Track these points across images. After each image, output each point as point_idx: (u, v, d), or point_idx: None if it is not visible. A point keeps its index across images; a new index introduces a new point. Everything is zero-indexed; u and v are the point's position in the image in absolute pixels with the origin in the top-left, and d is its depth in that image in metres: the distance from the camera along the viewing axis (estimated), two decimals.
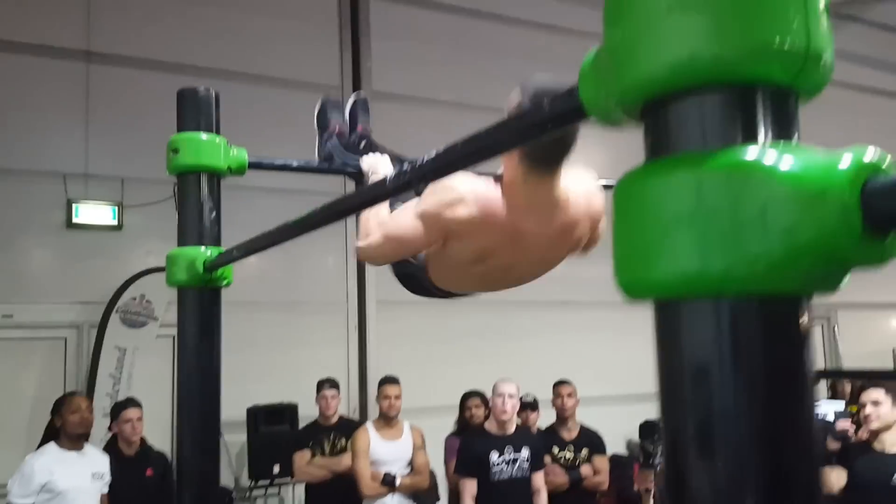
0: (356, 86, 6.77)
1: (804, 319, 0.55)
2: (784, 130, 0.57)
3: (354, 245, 1.80)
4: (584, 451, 4.78)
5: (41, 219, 5.60)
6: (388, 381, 4.86)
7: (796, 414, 0.55)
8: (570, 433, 4.87)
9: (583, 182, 1.79)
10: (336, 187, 6.32)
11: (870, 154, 0.53)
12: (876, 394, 3.59)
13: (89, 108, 5.77)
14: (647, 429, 5.65)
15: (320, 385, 5.05)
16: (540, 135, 0.80)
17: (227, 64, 6.16)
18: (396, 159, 2.11)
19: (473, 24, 7.28)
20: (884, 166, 0.53)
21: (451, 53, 7.15)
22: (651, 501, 3.48)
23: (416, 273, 1.93)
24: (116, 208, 5.73)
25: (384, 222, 1.72)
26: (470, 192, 1.64)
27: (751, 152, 0.53)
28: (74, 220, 5.59)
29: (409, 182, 1.03)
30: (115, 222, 5.73)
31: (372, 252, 1.75)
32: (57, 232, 5.62)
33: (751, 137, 0.56)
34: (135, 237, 5.82)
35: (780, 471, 0.53)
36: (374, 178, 1.90)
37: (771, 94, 0.57)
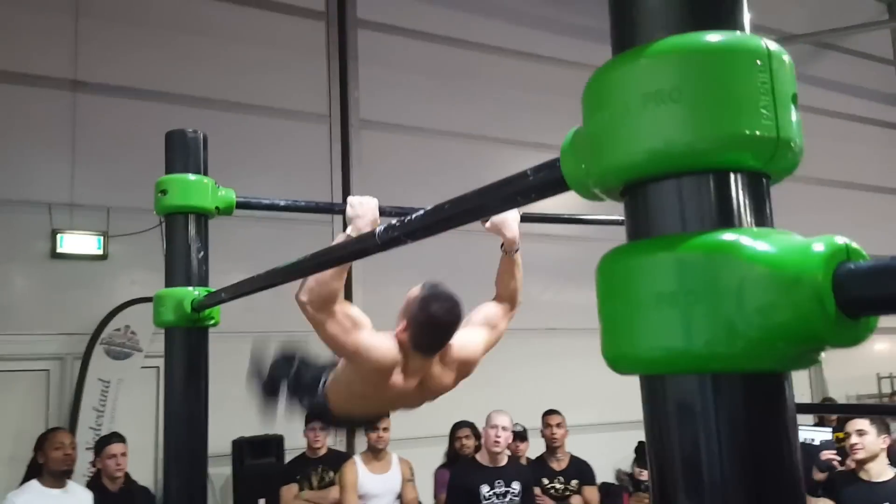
0: (343, 114, 6.81)
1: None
2: (758, 212, 0.59)
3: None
4: (574, 482, 4.77)
5: (25, 249, 5.57)
6: None
7: (783, 484, 0.57)
8: (559, 463, 4.86)
9: (463, 344, 2.20)
10: (319, 216, 6.33)
11: (841, 239, 0.56)
12: (861, 423, 3.62)
13: (75, 137, 5.77)
14: (641, 451, 5.64)
15: (308, 417, 5.01)
16: (524, 202, 0.82)
17: (215, 93, 6.19)
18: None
19: (460, 54, 7.36)
20: (853, 251, 0.55)
21: (437, 82, 7.22)
22: None
23: (322, 406, 2.25)
24: (102, 238, 5.70)
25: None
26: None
27: (729, 235, 0.56)
28: (59, 249, 5.56)
29: (397, 237, 1.05)
30: (100, 252, 5.69)
31: (300, 304, 2.00)
32: (41, 262, 5.59)
33: (728, 220, 0.58)
34: (120, 267, 5.79)
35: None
36: (357, 221, 1.93)
37: (744, 179, 0.59)
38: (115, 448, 4.15)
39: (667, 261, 0.57)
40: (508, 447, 4.67)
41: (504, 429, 4.38)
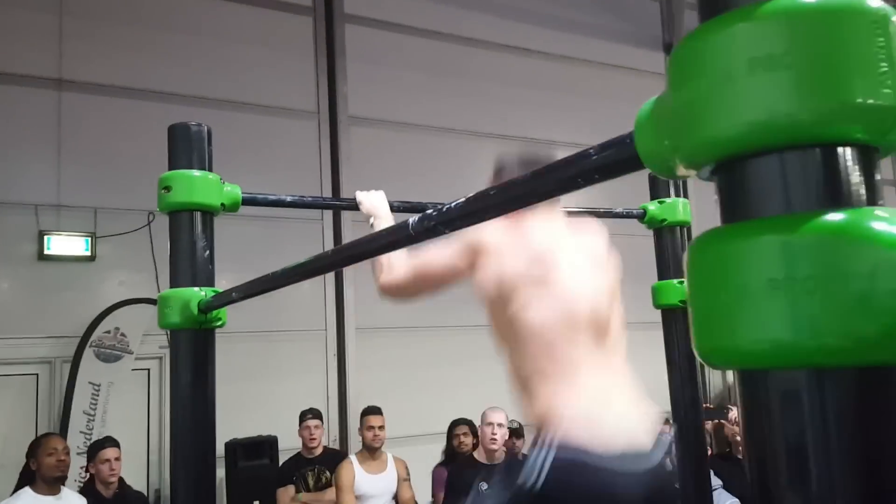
0: (332, 111, 6.74)
1: None
2: (870, 189, 0.55)
3: (377, 282, 1.84)
4: None
5: (12, 251, 5.46)
6: (372, 411, 4.79)
7: None
8: None
9: None
10: (308, 214, 6.26)
11: None
12: None
13: (61, 136, 5.66)
14: None
15: (303, 415, 4.96)
16: (585, 184, 0.76)
17: (201, 91, 6.10)
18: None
19: (449, 49, 7.30)
20: None
21: (426, 78, 7.16)
22: None
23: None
24: (89, 239, 5.60)
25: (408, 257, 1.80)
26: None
27: (850, 216, 0.51)
28: (46, 251, 5.46)
29: (434, 227, 0.99)
30: (88, 253, 5.60)
31: (395, 284, 1.80)
32: (28, 264, 5.48)
33: (838, 199, 0.53)
34: (108, 268, 5.70)
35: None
36: (377, 222, 1.89)
37: (854, 153, 0.54)
38: (109, 453, 4.07)
39: (777, 244, 0.52)
40: (504, 444, 4.63)
41: (500, 425, 4.35)
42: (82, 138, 5.69)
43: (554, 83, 7.78)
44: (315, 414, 4.97)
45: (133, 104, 5.80)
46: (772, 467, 0.55)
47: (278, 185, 5.70)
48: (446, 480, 4.49)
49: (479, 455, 4.42)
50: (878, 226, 0.50)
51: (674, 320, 2.48)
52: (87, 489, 4.08)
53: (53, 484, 3.72)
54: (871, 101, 0.52)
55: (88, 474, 4.17)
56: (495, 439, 4.30)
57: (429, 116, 7.07)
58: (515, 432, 4.99)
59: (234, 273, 5.61)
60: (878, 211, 0.52)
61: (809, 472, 0.52)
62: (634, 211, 2.47)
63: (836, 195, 0.53)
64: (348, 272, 6.63)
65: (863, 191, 0.54)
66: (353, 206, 2.17)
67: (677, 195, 2.51)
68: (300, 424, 4.96)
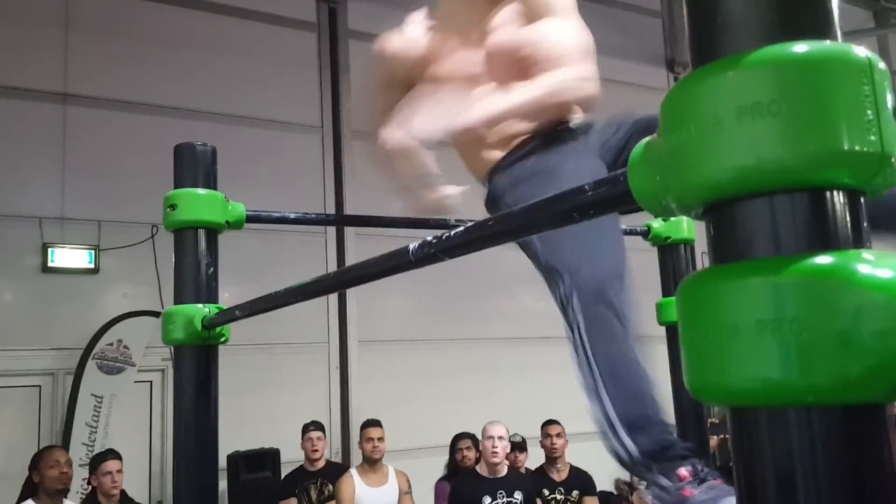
0: (336, 125, 6.77)
1: None
2: (857, 232, 0.56)
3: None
4: (575, 493, 4.73)
5: (16, 263, 5.49)
6: (371, 423, 4.80)
7: None
8: (559, 474, 4.82)
9: None
10: (310, 227, 6.28)
11: None
12: None
13: (65, 150, 5.70)
14: None
15: (306, 428, 4.97)
16: (581, 219, 0.78)
17: (205, 105, 6.14)
18: None
19: None
20: None
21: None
22: None
23: None
24: (93, 252, 5.63)
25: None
26: None
27: (836, 259, 0.52)
28: (50, 264, 5.49)
29: (434, 254, 1.01)
30: (91, 266, 5.63)
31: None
32: (32, 276, 5.51)
33: (826, 241, 0.55)
34: (111, 281, 5.73)
35: None
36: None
37: (842, 197, 0.56)
38: (111, 465, 4.07)
39: (765, 286, 0.54)
40: (507, 458, 4.63)
41: (501, 438, 4.35)
42: (86, 152, 5.73)
43: None
44: (317, 426, 4.98)
45: (137, 118, 5.85)
46: (761, 499, 0.56)
47: (282, 199, 5.72)
48: (449, 494, 4.49)
49: (481, 469, 4.43)
50: (863, 268, 0.51)
51: (678, 338, 2.48)
52: (88, 502, 4.08)
53: (56, 496, 3.72)
54: (857, 147, 0.53)
55: (90, 487, 4.17)
56: (496, 453, 4.31)
57: None
58: (518, 446, 5.00)
59: (237, 285, 5.66)
60: (865, 254, 0.53)
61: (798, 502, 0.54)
62: (638, 228, 2.49)
63: (824, 238, 0.55)
64: None
65: (850, 234, 0.55)
66: (356, 222, 2.18)
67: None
68: (303, 437, 4.96)
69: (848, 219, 0.55)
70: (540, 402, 5.71)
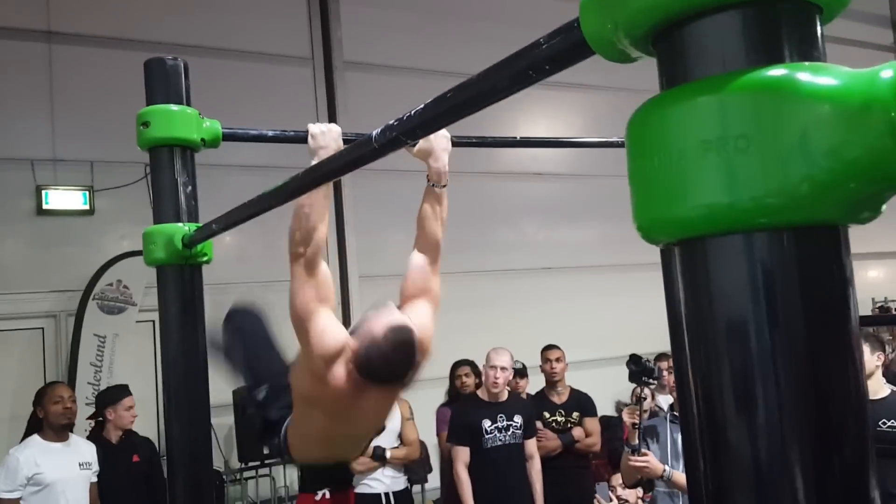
0: (327, 56, 6.64)
1: None
2: (810, 48, 0.52)
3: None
4: (575, 415, 4.78)
5: (10, 207, 5.46)
6: None
7: (842, 356, 0.51)
8: (559, 397, 4.87)
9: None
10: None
11: None
12: None
13: (53, 90, 5.61)
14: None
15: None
16: (538, 77, 0.74)
17: (194, 38, 6.00)
18: None
19: None
20: None
21: (424, 19, 7.02)
22: (637, 435, 3.49)
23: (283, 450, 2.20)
24: (87, 193, 5.59)
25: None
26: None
27: (781, 71, 0.49)
28: (45, 206, 5.46)
29: (395, 138, 0.98)
30: (86, 207, 5.59)
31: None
32: (27, 220, 5.49)
33: (776, 56, 0.51)
34: (108, 221, 5.70)
35: (826, 419, 0.49)
36: (322, 153, 1.84)
37: (793, 9, 0.52)
38: (129, 401, 4.15)
39: (710, 104, 0.51)
40: (508, 384, 4.67)
41: (503, 369, 4.37)
42: (75, 91, 5.64)
43: (556, 20, 7.62)
44: None
45: (123, 55, 5.71)
46: (711, 339, 0.54)
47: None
48: (450, 418, 4.54)
49: (482, 393, 4.47)
50: (808, 78, 0.48)
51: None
52: (94, 436, 4.14)
53: (61, 431, 3.78)
54: None
55: (99, 420, 4.21)
56: (497, 382, 4.34)
57: (426, 60, 6.95)
58: (519, 372, 5.03)
59: (238, 229, 5.61)
60: (812, 64, 0.50)
61: (749, 337, 0.51)
62: (616, 139, 2.44)
63: (772, 52, 0.51)
64: (350, 220, 6.62)
65: (800, 47, 0.51)
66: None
67: None
68: None
69: (798, 32, 0.52)
70: (539, 331, 5.73)
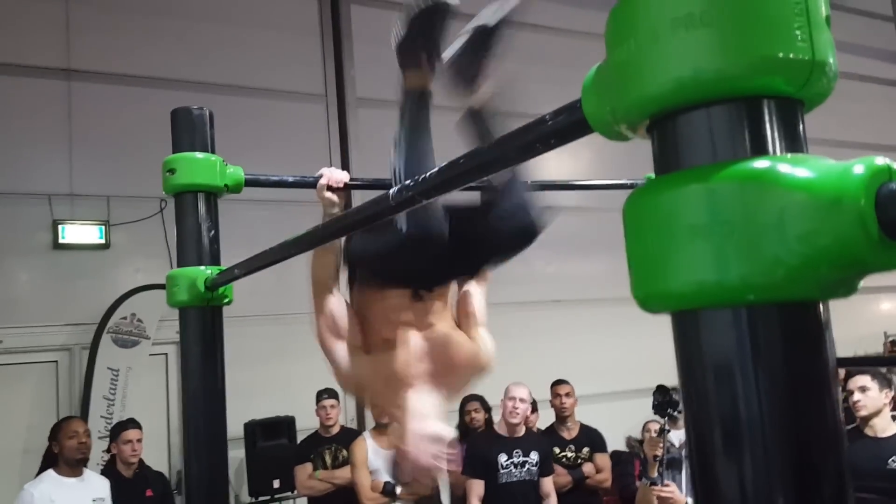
0: (340, 93, 6.76)
1: None
2: (792, 140, 0.58)
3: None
4: (585, 450, 4.79)
5: (27, 241, 5.55)
6: None
7: (821, 415, 0.56)
8: (570, 432, 4.88)
9: None
10: None
11: (881, 160, 0.55)
12: (863, 380, 3.61)
13: (72, 126, 5.73)
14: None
15: (319, 395, 5.04)
16: (544, 149, 0.80)
17: (209, 77, 6.14)
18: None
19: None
20: (895, 172, 0.54)
21: None
22: (657, 467, 3.50)
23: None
24: (103, 227, 5.69)
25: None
26: None
27: (763, 163, 0.55)
28: (61, 240, 5.55)
29: (412, 197, 1.04)
30: (102, 241, 5.69)
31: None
32: (43, 253, 5.58)
33: (760, 148, 0.57)
34: (123, 255, 5.78)
35: (808, 468, 0.54)
36: (330, 209, 1.94)
37: (777, 105, 0.58)
38: (132, 434, 4.17)
39: (699, 192, 0.56)
40: None
41: (522, 400, 4.40)
42: (93, 127, 5.76)
43: (558, 57, 7.74)
44: (331, 394, 5.05)
45: (141, 92, 5.86)
46: (703, 398, 0.59)
47: (287, 170, 5.73)
48: (465, 452, 4.55)
49: (499, 428, 4.49)
50: (788, 170, 0.54)
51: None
52: (108, 470, 4.18)
53: (76, 466, 3.82)
54: (787, 54, 0.55)
55: (110, 455, 4.26)
56: (516, 413, 4.36)
57: (437, 95, 7.04)
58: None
59: (244, 258, 5.68)
60: (794, 156, 0.55)
61: (737, 399, 0.56)
62: (639, 182, 2.50)
63: (758, 145, 0.57)
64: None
65: (784, 141, 0.57)
66: (359, 186, 2.20)
67: None
68: (317, 404, 5.04)
69: (781, 126, 0.57)
70: (549, 364, 5.75)
